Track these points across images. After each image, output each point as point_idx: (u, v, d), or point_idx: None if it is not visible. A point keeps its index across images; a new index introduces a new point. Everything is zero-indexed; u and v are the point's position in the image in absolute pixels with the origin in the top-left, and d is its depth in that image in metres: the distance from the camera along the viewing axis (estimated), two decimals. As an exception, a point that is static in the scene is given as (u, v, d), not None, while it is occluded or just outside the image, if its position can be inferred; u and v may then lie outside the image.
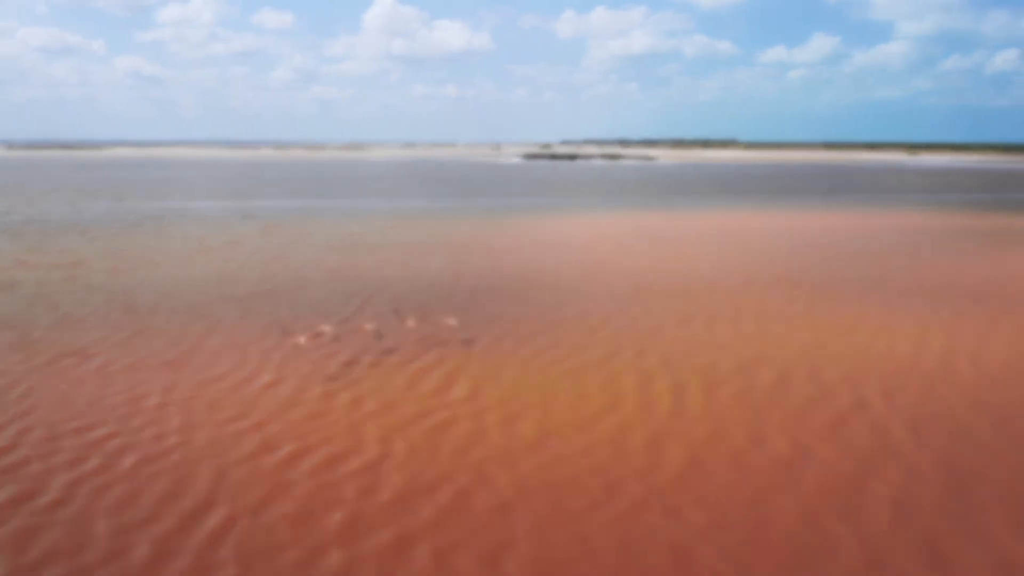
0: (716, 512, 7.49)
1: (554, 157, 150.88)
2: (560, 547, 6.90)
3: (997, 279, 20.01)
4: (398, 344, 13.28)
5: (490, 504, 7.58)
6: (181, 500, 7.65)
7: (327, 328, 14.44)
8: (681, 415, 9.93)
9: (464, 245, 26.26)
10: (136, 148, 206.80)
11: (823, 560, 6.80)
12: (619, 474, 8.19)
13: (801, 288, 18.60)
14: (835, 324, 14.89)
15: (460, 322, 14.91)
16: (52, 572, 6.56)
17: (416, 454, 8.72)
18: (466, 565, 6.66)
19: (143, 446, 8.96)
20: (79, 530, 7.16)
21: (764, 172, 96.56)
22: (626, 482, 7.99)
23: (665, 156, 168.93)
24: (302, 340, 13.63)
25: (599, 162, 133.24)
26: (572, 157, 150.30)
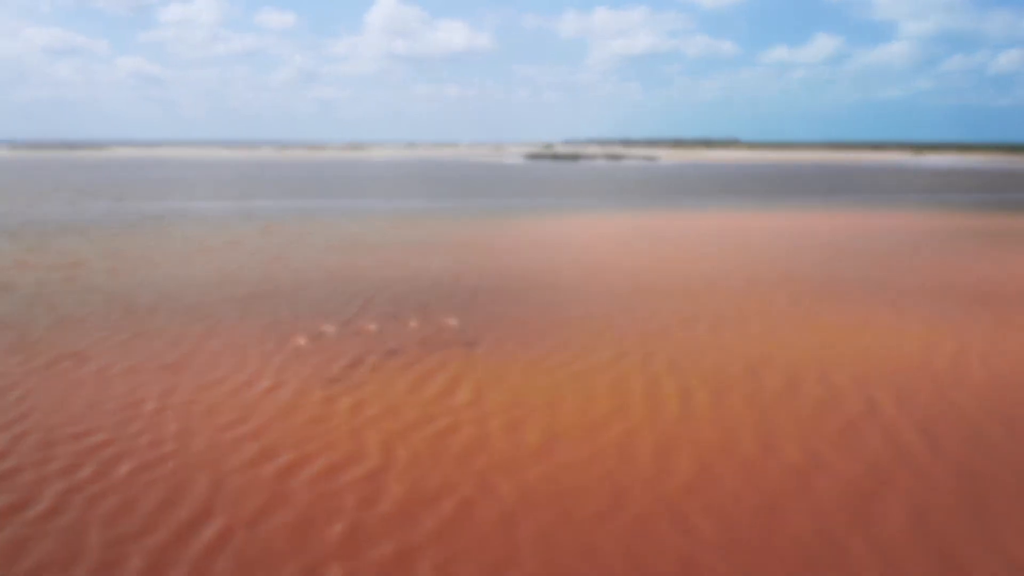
0: (726, 522, 7.29)
1: (556, 157, 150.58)
2: (566, 560, 6.70)
3: (999, 279, 19.78)
4: (400, 346, 13.09)
5: (494, 515, 7.39)
6: (177, 510, 7.46)
7: (328, 329, 14.25)
8: (689, 420, 9.72)
9: (466, 245, 26.06)
10: (138, 148, 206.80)
11: (836, 571, 6.60)
12: (627, 482, 7.99)
13: (805, 289, 18.38)
14: (841, 325, 14.67)
15: (462, 324, 14.71)
16: (44, 585, 6.37)
17: (418, 462, 8.52)
18: (470, 578, 6.46)
19: (139, 453, 8.77)
20: (72, 541, 6.97)
21: (766, 172, 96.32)
22: (634, 491, 7.78)
23: (667, 156, 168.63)
24: (303, 342, 13.44)
25: (601, 162, 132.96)
26: (574, 157, 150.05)
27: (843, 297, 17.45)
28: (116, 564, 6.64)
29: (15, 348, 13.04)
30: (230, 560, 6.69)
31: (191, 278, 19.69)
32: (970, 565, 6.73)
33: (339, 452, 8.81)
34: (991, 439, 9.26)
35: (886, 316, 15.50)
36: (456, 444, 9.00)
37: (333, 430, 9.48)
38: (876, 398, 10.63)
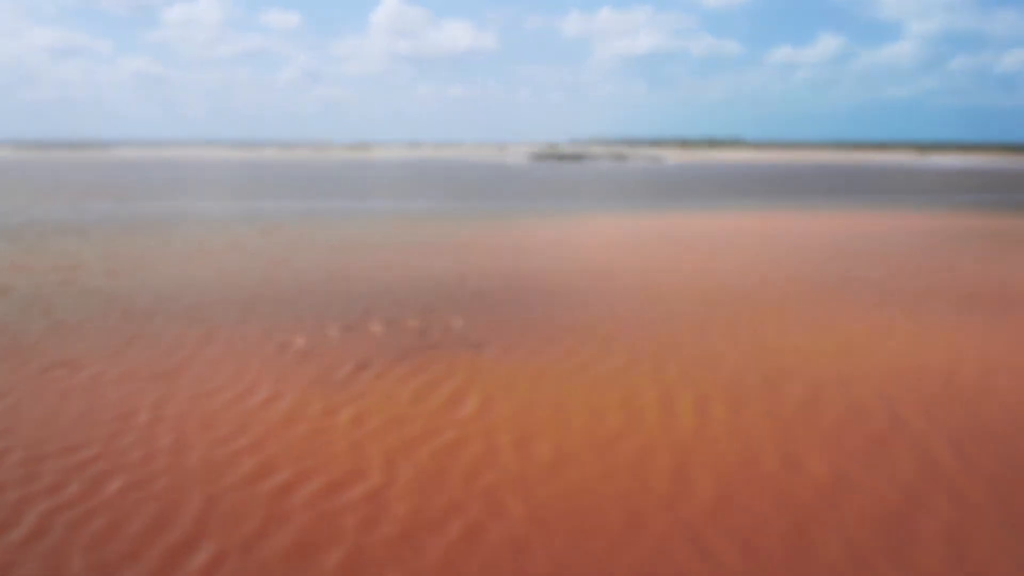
0: (751, 548, 6.82)
1: (560, 158, 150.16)
2: (582, 590, 6.24)
3: (1022, 285, 19.27)
4: (404, 353, 12.65)
5: (504, 539, 6.93)
6: (167, 533, 7.02)
7: (330, 334, 13.82)
8: (707, 436, 9.26)
9: (470, 247, 25.62)
10: (141, 148, 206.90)
11: (873, 606, 6.13)
12: (644, 505, 7.52)
13: (821, 293, 17.90)
14: (860, 332, 14.19)
15: (468, 328, 14.27)
16: (22, 617, 5.94)
17: (423, 479, 8.07)
18: (479, 611, 6.01)
19: (130, 469, 8.34)
20: (53, 567, 6.53)
21: (773, 173, 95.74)
22: (652, 515, 7.32)
23: (673, 156, 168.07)
24: (303, 348, 13.02)
25: (606, 163, 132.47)
26: (578, 158, 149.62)
27: (859, 302, 16.96)
28: (100, 593, 6.20)
29: (7, 354, 12.64)
30: (222, 589, 6.25)
31: (190, 280, 19.28)
32: (1015, 597, 6.26)
33: (340, 468, 8.37)
34: (1026, 456, 8.78)
35: (905, 323, 15.01)
36: (463, 460, 8.56)
37: (333, 443, 9.05)
38: (901, 411, 10.15)
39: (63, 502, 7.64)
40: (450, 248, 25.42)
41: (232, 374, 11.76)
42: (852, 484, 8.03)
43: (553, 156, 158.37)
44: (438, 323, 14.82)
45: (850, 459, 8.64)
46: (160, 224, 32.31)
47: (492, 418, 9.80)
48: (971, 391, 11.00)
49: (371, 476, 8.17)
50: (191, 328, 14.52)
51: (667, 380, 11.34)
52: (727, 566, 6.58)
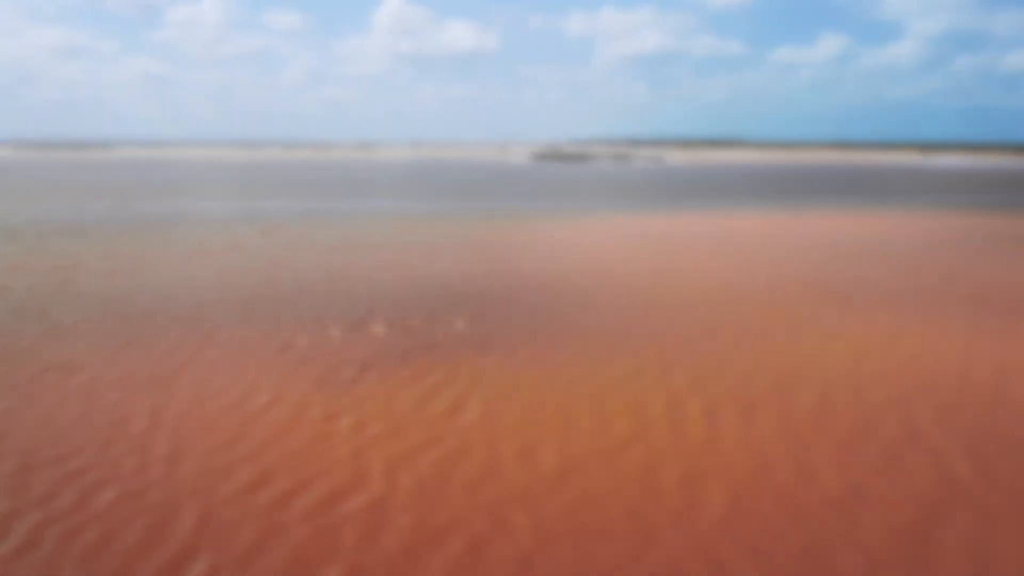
0: (768, 566, 6.56)
1: (563, 158, 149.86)
2: (591, 610, 5.99)
3: (1036, 287, 18.97)
4: (405, 357, 12.41)
5: (509, 555, 6.68)
6: (160, 547, 6.77)
7: (330, 337, 13.58)
8: (717, 445, 9.00)
9: (473, 249, 25.38)
10: (144, 148, 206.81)
11: (895, 627, 5.88)
12: (654, 518, 7.27)
13: (830, 296, 17.62)
14: (871, 336, 13.92)
15: (471, 332, 14.02)
16: (7, 638, 5.70)
17: (425, 490, 7.82)
18: (483, 632, 5.77)
19: (123, 479, 8.10)
20: (42, 584, 6.29)
21: (776, 173, 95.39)
22: (662, 529, 7.07)
23: (674, 157, 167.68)
24: (304, 351, 12.78)
25: (608, 163, 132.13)
26: (581, 158, 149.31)
27: (870, 305, 16.68)
28: (89, 612, 5.96)
29: (1, 357, 12.42)
30: (216, 608, 6.01)
31: (190, 281, 19.06)
32: (1043, 618, 6.00)
33: (339, 478, 8.13)
34: (1047, 467, 8.51)
35: (917, 327, 14.73)
36: (466, 470, 8.31)
37: (333, 452, 8.80)
38: (916, 419, 9.88)
39: (54, 513, 7.40)
40: (452, 249, 25.17)
41: (231, 378, 11.53)
42: (868, 496, 7.77)
43: (555, 156, 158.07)
44: (440, 325, 14.58)
45: (865, 470, 8.38)
46: (161, 224, 32.10)
47: (495, 425, 9.55)
48: (986, 397, 10.73)
49: (372, 486, 7.92)
50: (190, 330, 14.29)
51: (675, 386, 11.08)
52: (741, 584, 6.33)
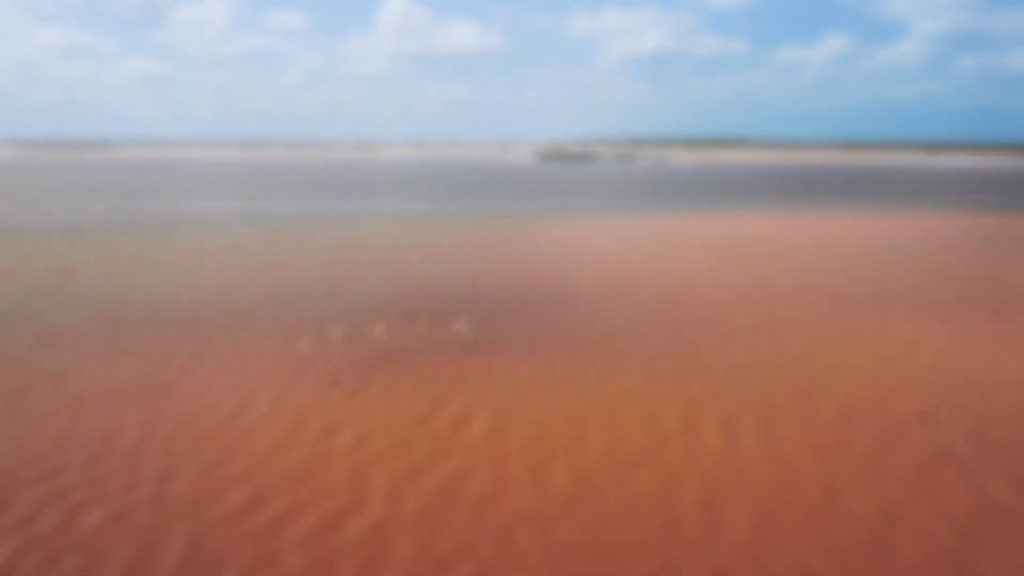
0: (796, 599, 6.08)
1: (566, 158, 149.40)
2: (609, 651, 5.52)
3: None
4: (408, 367, 11.94)
5: (519, 587, 6.21)
6: (145, 578, 6.32)
7: (330, 346, 13.13)
8: (737, 462, 8.52)
9: (477, 252, 24.92)
10: (147, 148, 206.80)
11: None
12: (672, 546, 6.79)
13: (846, 300, 17.12)
14: (891, 343, 13.42)
15: (476, 339, 13.55)
16: None
17: (428, 513, 7.36)
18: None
19: (110, 500, 7.65)
20: (17, 619, 5.85)
21: (782, 174, 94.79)
22: (682, 559, 6.59)
23: (679, 157, 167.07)
24: (303, 358, 12.32)
25: (613, 164, 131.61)
26: (584, 158, 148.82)
27: (888, 309, 16.18)
28: (66, 652, 5.51)
29: (-10, 367, 11.98)
30: (203, 648, 5.55)
31: (189, 285, 18.63)
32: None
33: (338, 499, 7.66)
34: (1088, 487, 8.02)
35: (938, 332, 14.22)
36: (472, 490, 7.84)
37: (332, 470, 8.34)
38: (945, 434, 9.39)
39: (36, 536, 6.95)
40: (456, 251, 24.72)
41: (227, 387, 11.08)
42: (901, 520, 7.28)
43: (558, 156, 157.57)
44: (444, 331, 14.12)
45: (895, 490, 7.89)
46: (161, 225, 31.71)
47: (503, 441, 9.09)
48: (1016, 409, 10.23)
49: (372, 509, 7.46)
50: (187, 336, 13.85)
51: (689, 397, 10.61)
52: (771, 621, 5.85)
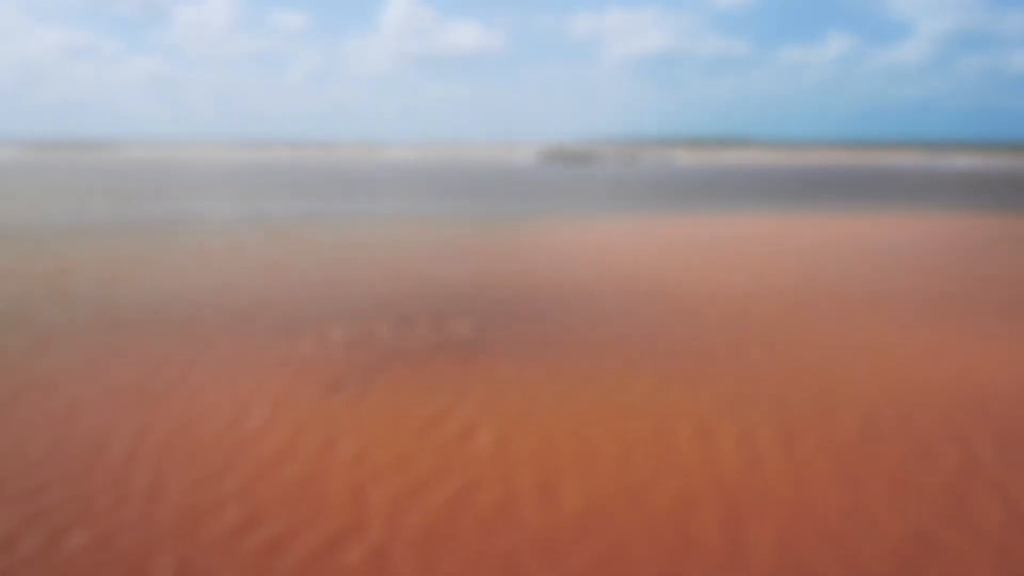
0: (828, 632, 5.66)
1: (569, 159, 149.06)
2: None
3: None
4: (411, 373, 11.54)
5: (530, 619, 5.80)
6: (129, 607, 5.92)
7: (332, 350, 12.73)
8: (757, 478, 8.10)
9: (480, 253, 24.52)
10: (150, 148, 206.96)
11: None
12: (691, 570, 6.37)
13: (860, 304, 16.67)
14: (911, 349, 12.98)
15: (480, 346, 13.14)
16: None
17: (432, 536, 6.95)
18: None
19: (96, 519, 7.25)
20: (-9, 654, 5.46)
21: (788, 175, 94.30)
22: (705, 586, 6.16)
23: (683, 157, 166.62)
24: (303, 365, 11.93)
25: (616, 164, 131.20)
26: (588, 158, 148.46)
27: (904, 314, 15.73)
28: None
29: (-20, 374, 11.61)
30: None
31: (188, 287, 18.26)
32: None
33: (337, 519, 7.26)
34: None
35: (958, 337, 13.78)
36: (478, 510, 7.43)
37: (331, 487, 7.94)
38: (975, 447, 8.96)
39: (14, 560, 6.56)
40: (460, 253, 24.33)
41: (223, 395, 10.69)
42: (934, 544, 6.85)
43: (561, 157, 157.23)
44: (448, 338, 13.71)
45: (926, 510, 7.46)
46: (162, 227, 31.38)
47: (510, 455, 8.68)
48: (1048, 423, 9.79)
49: (373, 531, 7.05)
50: (184, 340, 13.47)
51: (704, 407, 10.19)
52: (801, 658, 5.43)
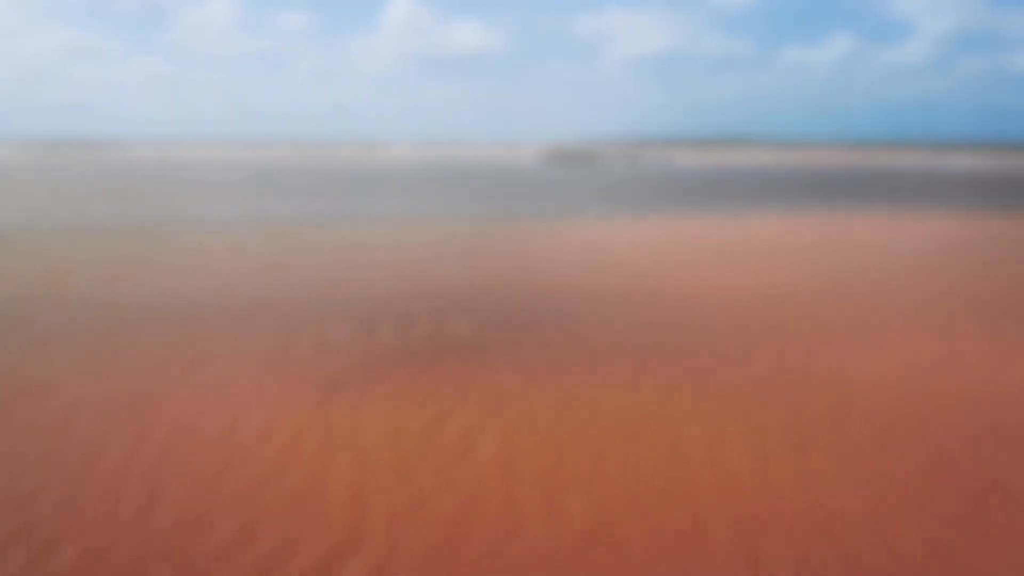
0: (849, 659, 5.38)
1: (572, 159, 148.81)
2: None
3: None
4: (412, 377, 11.26)
5: (537, 644, 5.52)
6: (118, 629, 5.66)
7: (332, 352, 12.46)
8: (770, 491, 7.82)
9: (484, 254, 24.24)
10: (154, 148, 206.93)
11: None
12: (707, 593, 6.09)
13: (870, 308, 16.37)
14: (926, 356, 12.67)
15: (483, 349, 12.86)
16: None
17: (434, 552, 6.68)
18: None
19: (87, 533, 6.99)
20: None
21: (793, 175, 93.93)
22: (721, 609, 5.89)
23: (685, 157, 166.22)
24: (302, 369, 11.65)
25: (619, 164, 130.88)
26: (591, 158, 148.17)
27: (917, 317, 15.42)
28: None
29: (-28, 378, 11.36)
30: None
31: (188, 288, 18.01)
32: None
33: (335, 534, 6.99)
34: None
35: (975, 344, 13.46)
36: (482, 524, 7.16)
37: (330, 497, 7.67)
38: (995, 461, 8.66)
39: (1, 578, 6.30)
40: (463, 255, 24.06)
41: (221, 400, 10.43)
42: (951, 560, 6.57)
43: (564, 157, 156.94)
44: (450, 341, 13.44)
45: (944, 525, 7.18)
46: (163, 227, 31.14)
47: (514, 465, 8.40)
48: (1068, 433, 9.49)
49: (371, 546, 6.78)
50: (182, 343, 13.21)
51: (713, 415, 9.90)
52: None
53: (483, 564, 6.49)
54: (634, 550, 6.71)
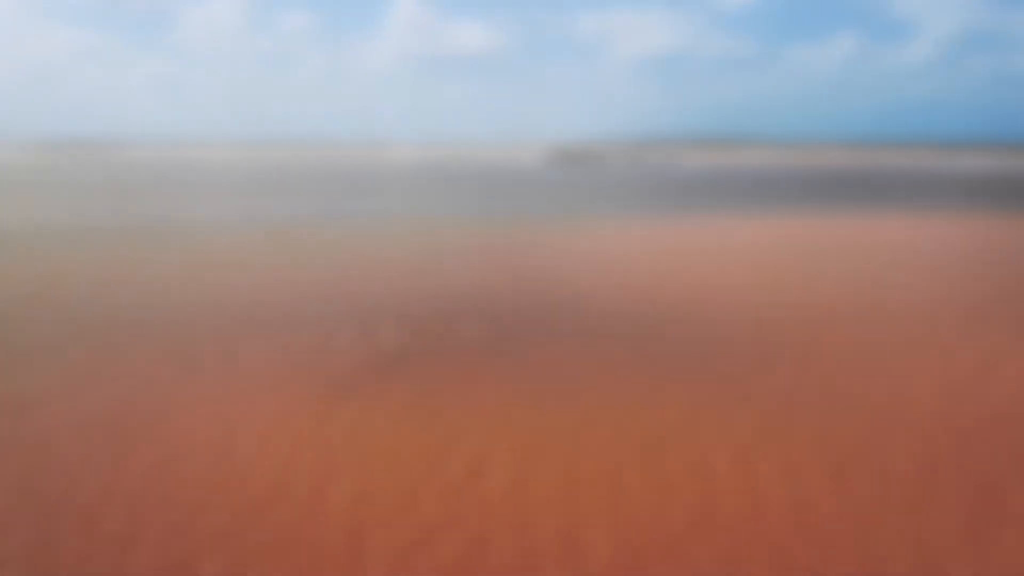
0: None
1: (576, 159, 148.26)
2: None
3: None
4: (417, 393, 10.60)
5: None
6: None
7: (331, 364, 11.81)
8: (807, 524, 7.13)
9: (488, 257, 23.58)
10: (159, 148, 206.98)
11: None
12: (749, 651, 5.42)
13: (896, 314, 15.67)
14: (959, 365, 11.97)
15: (492, 359, 12.20)
16: None
17: (441, 599, 6.01)
18: None
19: (59, 574, 6.33)
20: None
21: (800, 176, 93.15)
22: (766, 673, 5.21)
23: (691, 157, 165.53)
24: (300, 382, 11.00)
25: (624, 165, 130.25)
26: (595, 158, 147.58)
27: (949, 323, 14.71)
28: None
29: (-50, 395, 10.73)
30: None
31: (185, 293, 17.38)
32: None
33: (332, 575, 6.32)
34: None
35: (1010, 351, 12.75)
36: (492, 564, 6.48)
37: (324, 537, 7.01)
38: (1048, 486, 7.96)
39: (-42, 630, 5.65)
40: (468, 258, 23.41)
41: (213, 418, 9.79)
42: (1025, 611, 5.88)
43: (568, 157, 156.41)
44: (457, 350, 12.77)
45: (1006, 568, 6.48)
46: (164, 228, 30.56)
47: (527, 495, 7.73)
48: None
49: (372, 591, 6.11)
50: (174, 354, 12.57)
51: (740, 436, 9.22)
52: None
53: (495, 615, 5.83)
54: (663, 598, 6.03)
